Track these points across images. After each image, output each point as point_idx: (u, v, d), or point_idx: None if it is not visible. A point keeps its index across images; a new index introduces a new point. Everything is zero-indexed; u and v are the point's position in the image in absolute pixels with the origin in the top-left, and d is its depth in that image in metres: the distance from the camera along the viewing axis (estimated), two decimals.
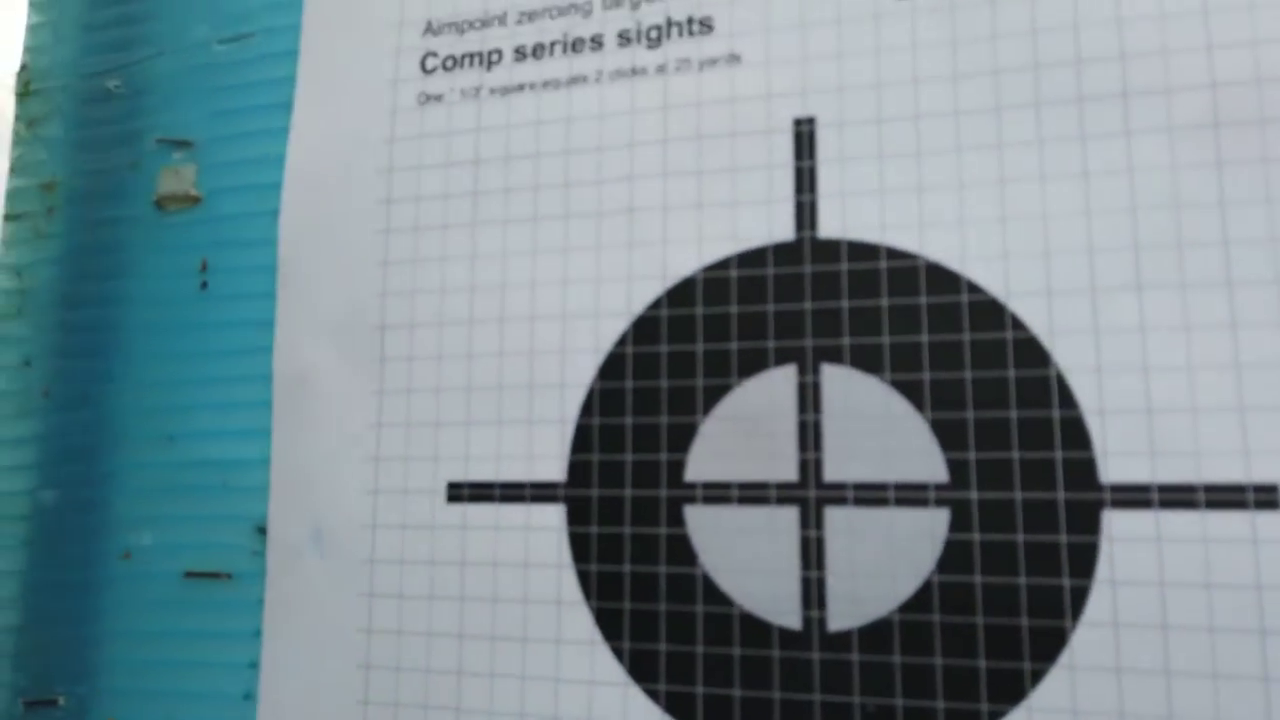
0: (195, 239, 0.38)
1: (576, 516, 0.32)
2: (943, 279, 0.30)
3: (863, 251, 0.31)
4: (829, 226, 0.31)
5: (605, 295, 0.33)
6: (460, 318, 0.34)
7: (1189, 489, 0.27)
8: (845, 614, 0.29)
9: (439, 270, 0.35)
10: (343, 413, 0.35)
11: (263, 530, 0.35)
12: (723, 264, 0.32)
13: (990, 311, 0.30)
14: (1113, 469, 0.28)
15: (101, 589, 0.37)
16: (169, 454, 0.37)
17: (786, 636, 0.30)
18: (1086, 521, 0.28)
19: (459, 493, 0.33)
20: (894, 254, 0.31)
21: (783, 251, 0.32)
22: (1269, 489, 0.27)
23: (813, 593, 0.30)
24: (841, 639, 0.29)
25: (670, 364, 0.32)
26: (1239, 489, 0.27)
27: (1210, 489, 0.27)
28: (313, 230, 0.37)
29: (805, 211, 0.32)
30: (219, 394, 0.37)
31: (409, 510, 0.34)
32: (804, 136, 0.32)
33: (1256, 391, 0.27)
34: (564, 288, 0.33)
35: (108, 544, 0.37)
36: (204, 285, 0.38)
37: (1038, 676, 0.28)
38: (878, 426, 0.30)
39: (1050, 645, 0.28)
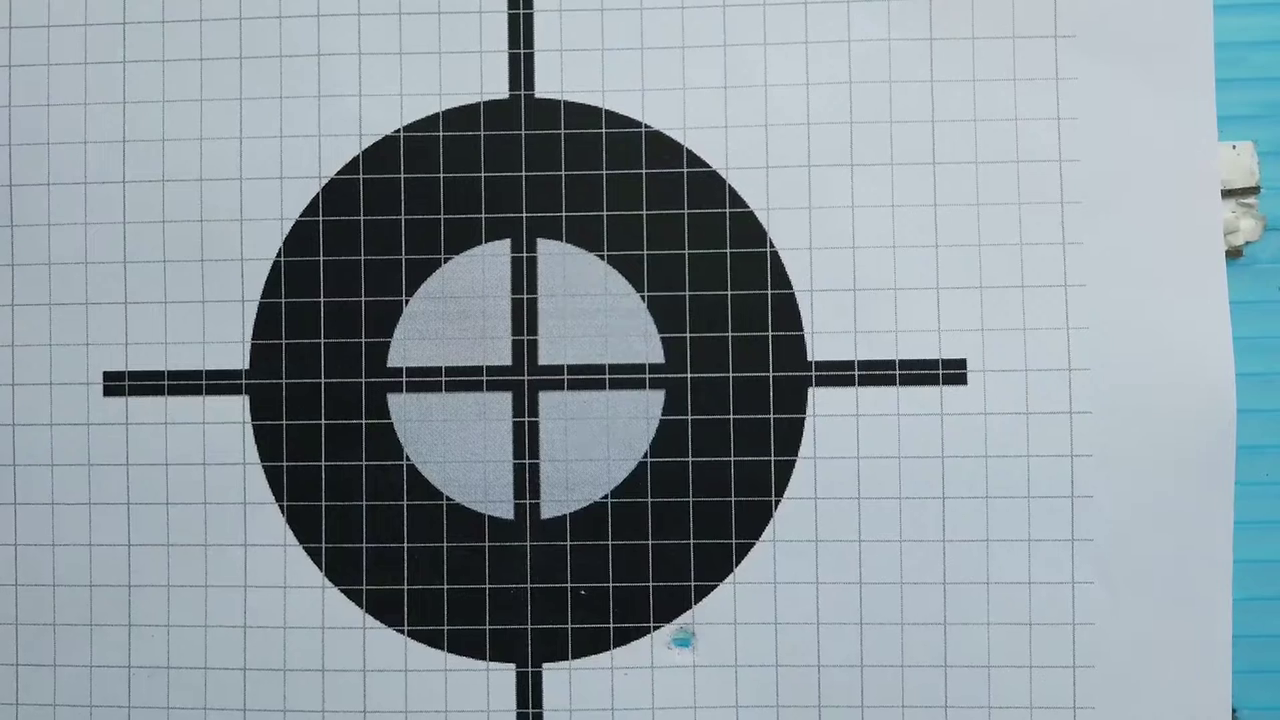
0: None
1: (262, 409, 0.28)
2: (664, 148, 0.28)
3: (582, 115, 0.29)
4: (546, 84, 0.29)
5: (290, 155, 0.28)
6: (111, 175, 0.29)
7: (887, 365, 0.28)
8: (559, 500, 0.28)
9: (81, 117, 0.29)
10: None
11: None
12: (428, 122, 0.29)
13: (710, 185, 0.28)
14: (819, 347, 0.28)
15: None
16: None
17: (498, 526, 0.28)
18: (794, 399, 0.28)
19: (118, 385, 0.28)
20: (615, 119, 0.28)
21: (495, 110, 0.29)
22: (958, 364, 0.28)
23: (525, 480, 0.28)
24: (555, 525, 0.28)
25: (369, 236, 0.29)
26: (931, 364, 0.28)
27: (906, 364, 0.28)
28: None
29: (520, 66, 0.29)
30: None
31: (57, 406, 0.29)
32: None
33: (951, 271, 0.28)
34: (240, 144, 0.29)
35: None
36: None
37: (743, 551, 0.28)
38: (595, 306, 0.28)
39: (756, 521, 0.28)
